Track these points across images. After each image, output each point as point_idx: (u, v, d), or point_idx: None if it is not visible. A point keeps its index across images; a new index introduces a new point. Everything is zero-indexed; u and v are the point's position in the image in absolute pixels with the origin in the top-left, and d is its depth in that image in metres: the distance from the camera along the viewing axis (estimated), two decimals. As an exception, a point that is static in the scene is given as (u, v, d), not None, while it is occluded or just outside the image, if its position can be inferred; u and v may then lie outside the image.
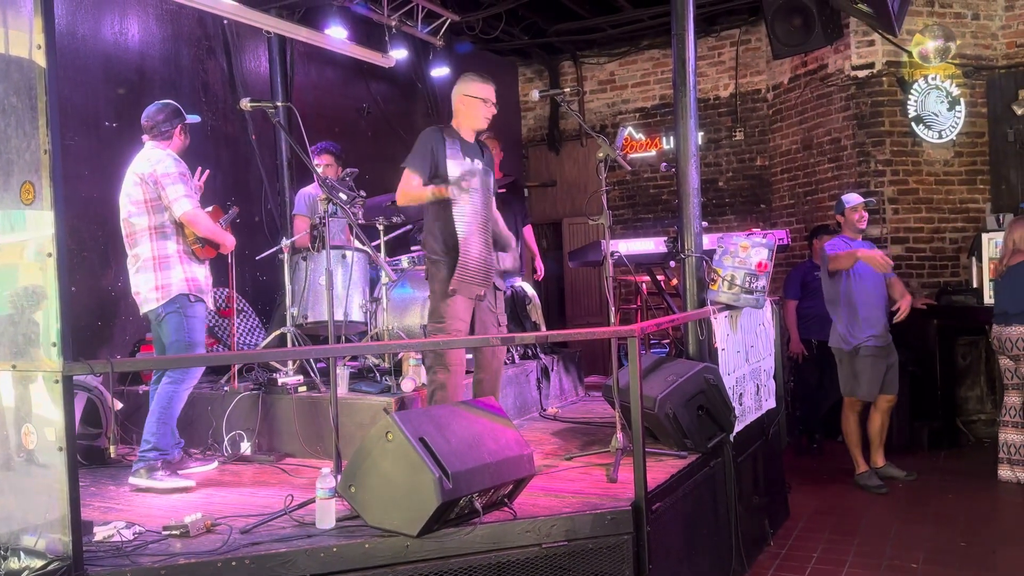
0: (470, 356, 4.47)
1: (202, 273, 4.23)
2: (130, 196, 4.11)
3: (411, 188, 4.08)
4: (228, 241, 4.34)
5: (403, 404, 4.46)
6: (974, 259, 6.86)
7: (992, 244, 6.62)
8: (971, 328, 6.78)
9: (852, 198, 5.75)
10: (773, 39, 5.64)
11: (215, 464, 4.39)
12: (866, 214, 5.71)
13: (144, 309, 4.15)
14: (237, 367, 5.09)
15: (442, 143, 4.09)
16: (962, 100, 7.42)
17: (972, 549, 4.52)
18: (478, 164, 4.21)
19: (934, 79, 7.37)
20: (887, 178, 7.37)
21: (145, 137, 4.23)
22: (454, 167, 4.07)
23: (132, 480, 3.97)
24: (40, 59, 2.87)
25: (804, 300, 6.63)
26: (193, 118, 4.37)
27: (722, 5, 8.17)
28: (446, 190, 4.00)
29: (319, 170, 5.45)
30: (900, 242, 7.35)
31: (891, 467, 5.79)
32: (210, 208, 4.46)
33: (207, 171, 4.61)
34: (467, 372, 4.36)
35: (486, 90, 4.20)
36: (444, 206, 4.05)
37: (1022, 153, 7.31)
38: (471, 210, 4.09)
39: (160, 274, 4.07)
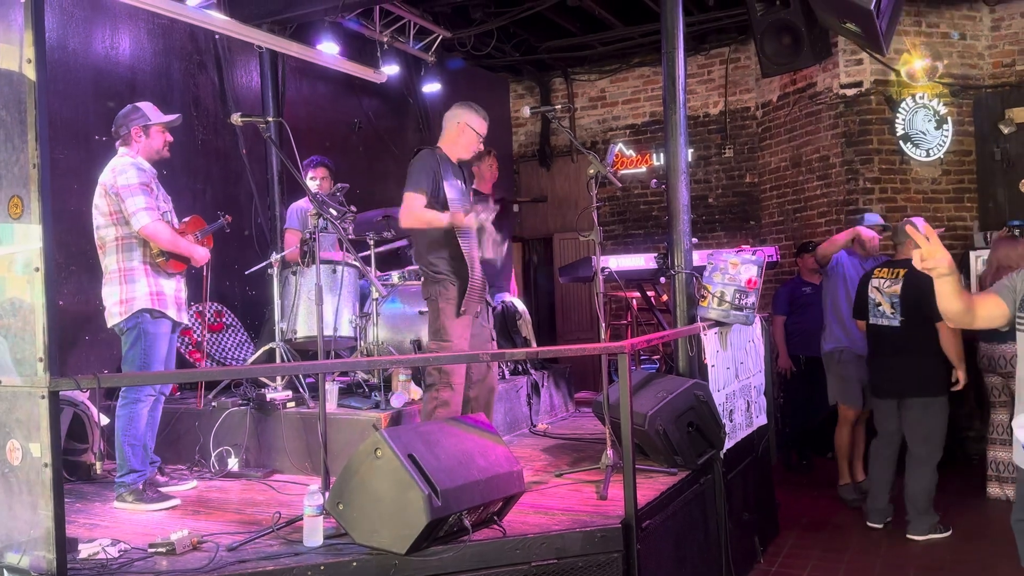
0: None
1: (170, 287, 4.06)
2: (98, 207, 4.00)
3: (422, 211, 4.08)
4: (198, 254, 4.15)
5: (393, 420, 4.44)
6: (962, 277, 6.89)
7: (980, 262, 6.67)
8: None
9: (873, 218, 5.87)
10: (762, 57, 5.67)
11: (192, 483, 4.31)
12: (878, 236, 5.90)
13: (109, 323, 4.03)
14: (222, 384, 5.06)
15: (438, 165, 4.17)
16: (949, 119, 7.49)
17: (962, 566, 4.52)
18: (464, 186, 4.34)
19: (922, 98, 7.43)
20: (875, 196, 7.41)
21: (117, 144, 4.12)
22: (449, 190, 4.17)
23: (117, 505, 3.90)
24: (30, 73, 2.87)
25: (792, 316, 6.65)
26: (163, 117, 4.13)
27: (712, 23, 8.22)
28: (463, 220, 4.03)
29: (313, 185, 5.45)
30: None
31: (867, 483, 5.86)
32: (187, 219, 4.31)
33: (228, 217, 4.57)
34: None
35: (485, 127, 4.31)
36: (451, 229, 4.10)
37: (1009, 171, 7.37)
38: (471, 232, 4.17)
39: (125, 287, 3.94)
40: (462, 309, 4.10)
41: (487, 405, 4.34)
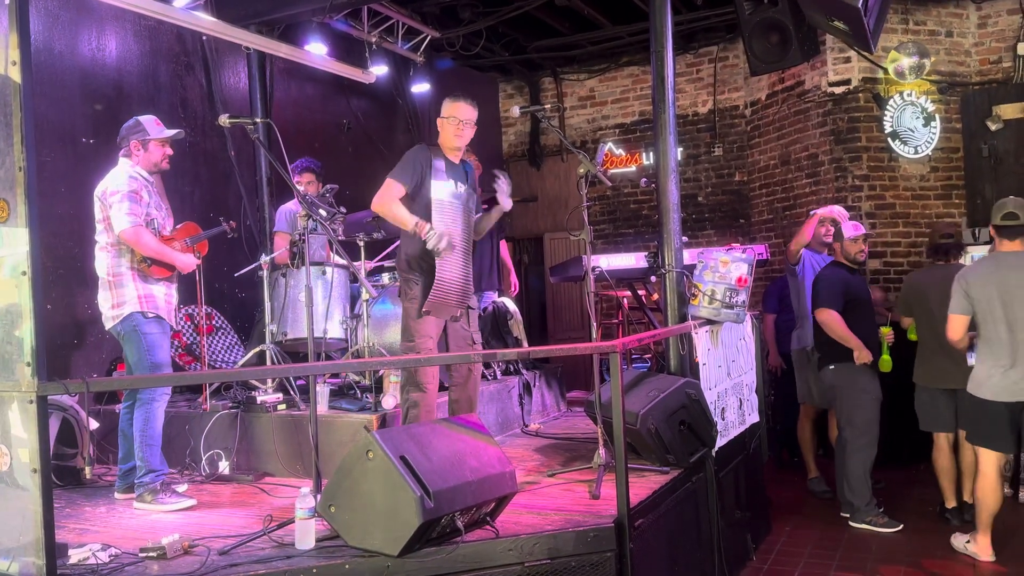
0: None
1: (160, 291, 4.11)
2: (95, 214, 4.09)
3: (393, 203, 4.03)
4: (180, 262, 4.16)
5: (385, 421, 4.43)
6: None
7: (969, 258, 6.68)
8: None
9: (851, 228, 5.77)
10: (751, 56, 5.67)
11: (183, 487, 4.29)
12: (831, 228, 5.81)
13: (106, 327, 4.12)
14: (212, 387, 5.04)
15: (429, 162, 4.11)
16: (937, 116, 7.53)
17: (953, 562, 4.54)
18: (461, 187, 4.21)
19: (909, 95, 7.46)
20: (864, 193, 7.44)
21: (120, 153, 4.18)
22: (437, 187, 4.08)
23: (138, 505, 3.95)
24: (15, 75, 2.85)
25: (782, 314, 6.66)
26: (162, 132, 4.18)
27: (700, 22, 8.23)
28: (426, 232, 3.93)
29: (300, 188, 5.42)
30: (878, 256, 7.41)
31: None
32: (179, 225, 4.36)
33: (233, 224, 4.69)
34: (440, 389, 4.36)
35: (454, 108, 4.16)
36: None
37: (997, 168, 7.41)
38: (449, 232, 4.04)
39: (115, 292, 4.02)
40: (425, 310, 4.05)
41: (470, 408, 4.32)
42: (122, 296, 4.02)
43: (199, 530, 3.45)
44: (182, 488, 4.25)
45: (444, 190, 4.10)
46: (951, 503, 5.20)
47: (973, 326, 4.50)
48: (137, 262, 4.04)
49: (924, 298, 5.16)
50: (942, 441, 5.16)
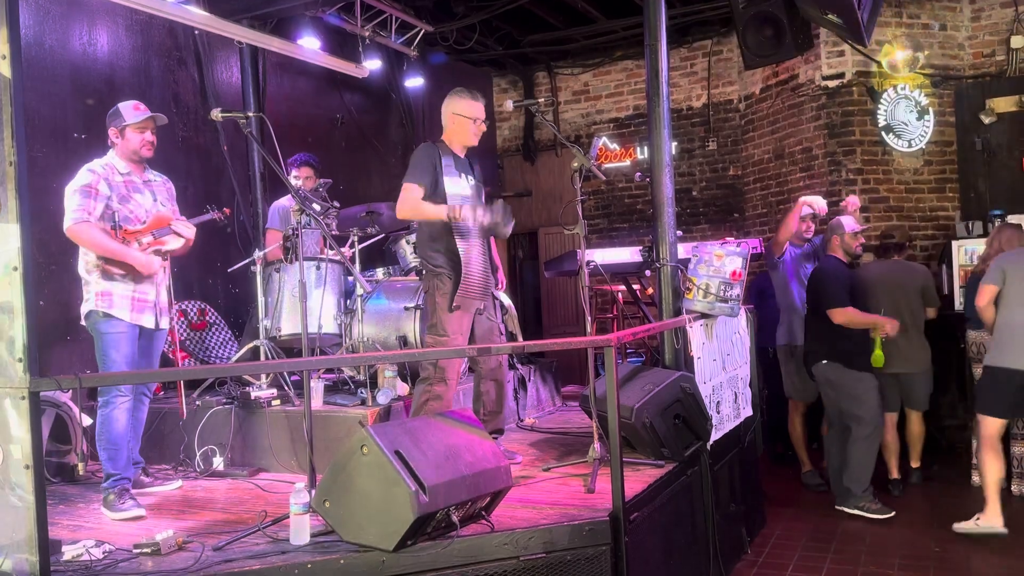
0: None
1: (123, 289, 3.88)
2: None
3: (418, 203, 4.05)
4: (135, 260, 3.85)
5: (380, 416, 4.43)
6: (944, 266, 6.95)
7: (962, 251, 6.71)
8: (942, 334, 6.84)
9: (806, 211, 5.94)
10: (744, 50, 5.67)
11: (178, 483, 4.28)
12: (812, 224, 5.97)
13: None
14: (206, 383, 5.01)
15: (439, 159, 4.13)
16: (931, 109, 7.53)
17: (946, 555, 4.56)
18: (471, 180, 4.26)
19: (903, 89, 7.47)
20: (858, 187, 7.44)
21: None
22: (450, 183, 4.12)
23: (102, 509, 3.84)
24: (5, 69, 2.82)
25: (759, 309, 6.66)
26: (135, 117, 3.96)
27: (694, 16, 8.24)
28: (459, 214, 3.98)
29: (299, 183, 5.40)
30: (872, 250, 7.42)
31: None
32: (149, 219, 4.06)
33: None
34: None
35: (475, 108, 4.21)
36: (448, 224, 4.07)
37: (990, 161, 7.43)
38: (471, 226, 4.12)
39: (84, 289, 3.96)
40: (455, 304, 4.08)
41: (498, 399, 4.36)
42: (87, 293, 3.93)
43: (193, 526, 3.45)
44: (175, 485, 4.23)
45: (457, 186, 4.15)
46: (894, 475, 5.65)
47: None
48: (96, 258, 3.88)
49: (868, 290, 5.47)
50: (887, 420, 5.52)
